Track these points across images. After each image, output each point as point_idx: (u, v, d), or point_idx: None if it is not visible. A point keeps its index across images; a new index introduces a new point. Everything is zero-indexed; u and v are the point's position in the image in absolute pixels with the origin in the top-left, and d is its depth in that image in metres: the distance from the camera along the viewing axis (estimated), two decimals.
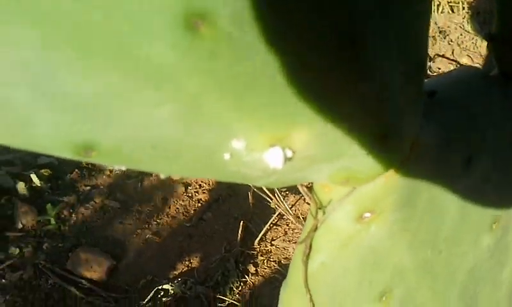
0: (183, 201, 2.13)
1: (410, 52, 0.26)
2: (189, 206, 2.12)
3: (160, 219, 2.05)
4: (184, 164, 0.25)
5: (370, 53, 0.24)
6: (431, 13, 0.26)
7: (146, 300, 1.70)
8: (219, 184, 2.18)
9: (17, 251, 1.81)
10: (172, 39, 0.19)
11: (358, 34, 0.23)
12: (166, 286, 1.71)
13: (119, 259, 1.84)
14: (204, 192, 2.18)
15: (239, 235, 1.88)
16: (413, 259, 0.36)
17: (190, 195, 2.17)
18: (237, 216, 2.00)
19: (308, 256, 0.33)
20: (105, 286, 1.73)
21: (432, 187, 0.34)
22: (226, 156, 0.25)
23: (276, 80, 0.22)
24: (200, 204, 2.13)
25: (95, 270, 1.75)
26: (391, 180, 0.31)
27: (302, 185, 0.34)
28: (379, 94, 0.26)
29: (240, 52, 0.21)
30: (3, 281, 1.73)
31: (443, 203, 0.35)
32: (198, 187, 2.19)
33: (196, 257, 1.88)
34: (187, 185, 2.18)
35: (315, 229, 0.33)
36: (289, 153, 0.26)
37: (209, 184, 2.19)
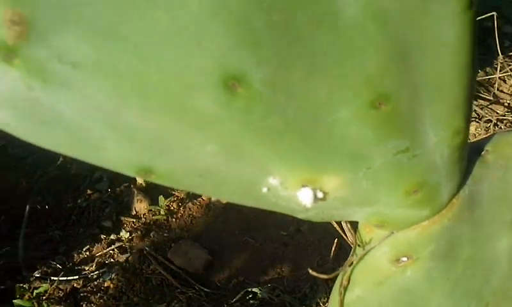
0: None
1: (445, 118, 0.27)
2: (288, 216, 2.15)
3: (259, 224, 2.11)
4: (228, 192, 0.29)
5: (405, 111, 0.26)
6: (474, 86, 0.27)
7: (234, 299, 1.77)
8: None
9: (127, 235, 1.98)
10: (213, 96, 0.24)
11: (392, 90, 0.25)
12: (255, 290, 1.77)
13: (216, 256, 1.93)
14: None
15: (333, 252, 1.89)
16: None
17: None
18: (333, 232, 1.99)
19: (345, 288, 0.36)
20: (199, 279, 1.83)
21: (477, 242, 0.34)
22: (264, 189, 0.29)
23: (305, 133, 0.26)
24: None
25: (192, 263, 1.87)
26: (426, 230, 0.32)
27: (346, 222, 0.37)
28: (412, 151, 0.28)
29: (272, 108, 0.24)
30: (111, 260, 1.91)
31: (491, 258, 0.35)
32: None
33: (288, 266, 1.92)
34: None
35: (351, 264, 0.35)
36: (320, 194, 0.29)
37: None
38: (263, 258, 1.94)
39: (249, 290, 1.78)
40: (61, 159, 2.43)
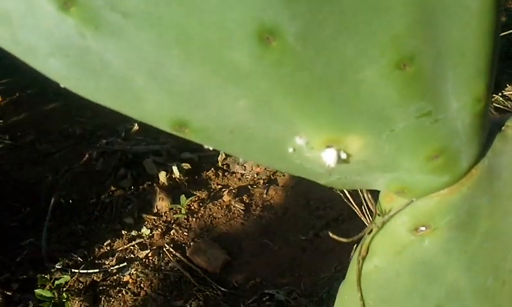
0: (303, 214, 2.19)
1: (467, 84, 0.29)
2: (308, 220, 2.16)
3: (278, 228, 2.12)
4: (255, 150, 0.31)
5: (429, 74, 0.28)
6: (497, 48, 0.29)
7: (251, 300, 1.78)
8: (341, 204, 2.19)
9: (148, 231, 2.02)
10: (248, 48, 0.25)
11: (417, 51, 0.26)
12: (271, 292, 1.78)
13: (234, 256, 1.95)
14: (325, 209, 2.20)
15: (357, 240, 1.88)
16: (472, 283, 0.37)
17: (311, 210, 2.21)
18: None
19: (364, 257, 0.37)
20: (217, 279, 1.85)
21: (495, 215, 0.35)
22: (290, 149, 0.31)
23: (332, 90, 0.27)
24: (318, 221, 2.16)
25: (211, 262, 1.88)
26: (445, 199, 0.33)
27: (367, 192, 0.38)
28: (434, 115, 0.29)
29: (302, 63, 0.26)
30: (131, 256, 1.94)
31: (510, 233, 0.36)
32: (320, 203, 2.23)
33: (306, 270, 1.92)
34: (309, 200, 2.23)
35: (370, 231, 0.36)
36: (343, 155, 0.30)
37: (331, 202, 2.21)
38: (281, 261, 1.95)
39: (266, 291, 1.78)
40: (86, 156, 2.48)
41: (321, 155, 0.30)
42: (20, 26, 0.25)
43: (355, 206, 0.46)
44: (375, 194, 0.38)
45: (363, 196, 0.39)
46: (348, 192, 0.49)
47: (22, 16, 0.25)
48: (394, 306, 0.38)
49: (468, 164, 0.33)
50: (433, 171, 0.31)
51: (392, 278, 0.37)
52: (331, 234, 0.42)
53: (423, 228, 0.35)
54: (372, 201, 0.38)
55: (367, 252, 0.38)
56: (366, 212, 0.49)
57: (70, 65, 0.27)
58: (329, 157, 0.30)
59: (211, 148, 0.32)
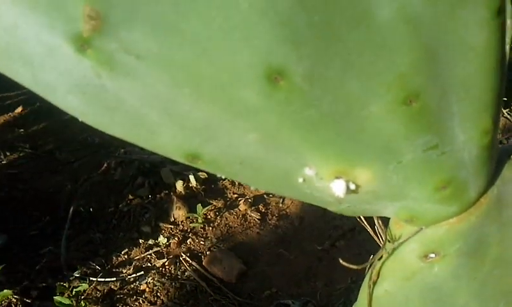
0: (319, 224, 2.18)
1: (473, 118, 0.29)
2: (324, 230, 2.16)
3: (294, 237, 2.12)
4: (265, 180, 0.32)
5: (435, 109, 0.28)
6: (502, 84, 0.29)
7: None
8: None
9: (165, 240, 2.03)
10: (257, 88, 0.26)
11: (422, 88, 0.27)
12: (287, 302, 1.78)
13: (250, 266, 1.95)
14: (341, 220, 2.20)
15: (367, 269, 1.87)
16: None
17: (327, 220, 2.21)
18: (369, 249, 1.98)
19: (374, 282, 0.38)
20: (233, 288, 1.86)
21: (505, 242, 0.35)
22: (300, 180, 0.31)
23: (339, 125, 0.28)
24: (334, 231, 2.16)
25: (226, 272, 1.89)
26: (454, 228, 0.34)
27: (378, 218, 0.38)
28: (441, 148, 0.30)
29: (309, 101, 0.27)
30: (148, 264, 1.96)
31: None
32: (336, 213, 2.22)
33: (322, 281, 1.92)
34: (325, 210, 2.22)
35: (380, 258, 0.37)
36: (352, 186, 0.31)
37: None
38: (297, 271, 1.95)
39: (282, 302, 1.79)
40: (105, 165, 2.51)
41: (330, 186, 0.31)
42: (40, 67, 0.27)
43: (367, 225, 0.46)
44: (385, 219, 0.39)
45: (375, 222, 0.39)
46: None
47: (42, 58, 0.26)
48: None
49: (476, 194, 0.33)
50: (441, 201, 0.32)
51: (402, 303, 0.37)
52: (341, 260, 0.42)
53: (432, 255, 0.35)
54: (383, 227, 0.38)
55: (377, 277, 0.38)
56: (378, 232, 0.49)
57: (87, 102, 0.28)
58: (338, 188, 0.31)
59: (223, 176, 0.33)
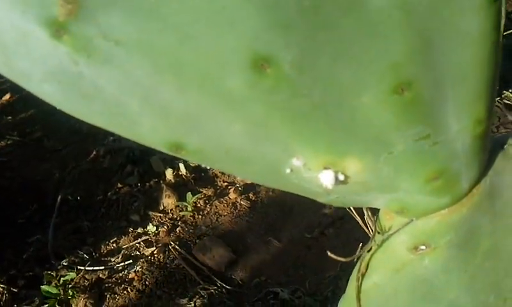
0: (308, 213, 2.18)
1: (467, 107, 0.28)
2: (314, 218, 2.16)
3: (283, 225, 2.12)
4: (252, 171, 0.31)
5: (427, 98, 0.27)
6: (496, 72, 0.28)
7: (255, 298, 1.78)
8: None
9: (154, 229, 2.02)
10: (243, 75, 0.25)
11: (415, 77, 0.26)
12: (276, 290, 1.78)
13: (239, 254, 1.95)
14: (330, 208, 2.20)
15: (356, 257, 1.87)
16: (473, 301, 0.37)
17: (316, 208, 2.21)
18: (358, 237, 1.98)
19: (363, 274, 0.37)
20: (222, 277, 1.85)
21: (497, 234, 0.35)
22: (288, 170, 0.30)
23: (329, 116, 0.27)
24: (324, 219, 2.16)
25: (216, 260, 1.89)
26: (445, 219, 0.33)
27: (367, 209, 0.38)
28: (433, 138, 0.29)
29: (298, 90, 0.26)
30: (137, 253, 1.95)
31: (511, 252, 0.36)
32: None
33: (311, 269, 1.92)
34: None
35: (369, 250, 0.36)
36: (341, 177, 0.30)
37: None
38: (286, 260, 1.95)
39: (271, 290, 1.79)
40: (93, 153, 2.49)
41: (318, 177, 0.30)
42: (13, 53, 0.25)
43: (356, 215, 0.46)
44: (375, 210, 0.38)
45: (364, 213, 0.38)
46: None
47: (15, 44, 0.25)
48: None
49: (468, 185, 0.32)
50: (433, 193, 0.31)
51: (391, 295, 0.37)
52: (329, 253, 0.41)
53: (423, 247, 0.35)
54: (372, 218, 0.37)
55: (366, 269, 0.37)
56: (367, 223, 0.49)
57: (64, 90, 0.27)
58: (326, 179, 0.30)
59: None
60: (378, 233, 0.36)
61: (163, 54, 0.25)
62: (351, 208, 0.47)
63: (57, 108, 0.29)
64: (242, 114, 0.27)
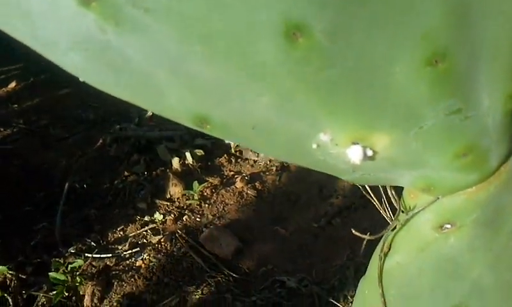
0: (315, 202, 2.18)
1: (500, 82, 0.28)
2: (321, 208, 2.16)
3: (290, 215, 2.12)
4: (277, 146, 0.30)
5: (461, 71, 0.27)
6: None
7: (262, 287, 1.78)
8: (354, 192, 2.19)
9: (161, 217, 2.03)
10: (274, 45, 0.25)
11: (450, 48, 0.25)
12: (283, 278, 1.78)
13: (246, 243, 1.95)
14: (338, 198, 2.20)
15: (364, 246, 1.87)
16: (496, 280, 0.36)
17: (323, 197, 2.21)
18: (365, 227, 1.98)
19: (386, 253, 0.37)
20: (229, 265, 1.86)
21: None
22: (314, 146, 0.30)
23: (360, 87, 0.27)
24: (331, 208, 2.16)
25: (222, 248, 1.89)
26: (472, 197, 0.33)
27: (391, 188, 0.37)
28: (464, 112, 0.28)
29: (330, 60, 0.25)
30: (144, 241, 1.95)
31: None
32: (333, 191, 2.22)
33: (317, 258, 1.92)
34: (322, 188, 2.23)
35: (393, 229, 0.36)
36: (369, 152, 0.29)
37: (344, 190, 2.21)
38: (292, 249, 1.95)
39: (278, 278, 1.79)
40: (100, 141, 2.49)
41: (346, 152, 0.29)
42: (40, 22, 0.25)
43: (375, 199, 0.45)
44: (398, 190, 0.37)
45: (387, 192, 0.38)
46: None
47: (42, 12, 0.24)
48: (415, 303, 0.37)
49: (497, 163, 0.32)
50: (461, 169, 0.31)
51: (415, 275, 0.36)
52: (353, 230, 0.41)
53: (448, 226, 0.34)
54: (396, 198, 0.37)
55: (389, 249, 0.37)
56: (386, 206, 0.48)
57: (90, 59, 0.26)
58: (354, 154, 0.29)
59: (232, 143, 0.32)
60: (402, 212, 0.36)
61: (193, 23, 0.24)
62: (369, 192, 0.47)
63: (80, 80, 0.28)
64: (271, 85, 0.26)
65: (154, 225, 2.02)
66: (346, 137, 0.29)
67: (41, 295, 1.71)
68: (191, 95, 0.27)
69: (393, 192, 0.37)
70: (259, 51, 0.25)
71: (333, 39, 0.24)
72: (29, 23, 0.25)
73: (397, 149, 0.29)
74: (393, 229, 0.37)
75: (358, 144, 0.29)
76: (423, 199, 0.34)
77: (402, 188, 0.37)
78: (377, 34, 0.24)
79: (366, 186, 0.46)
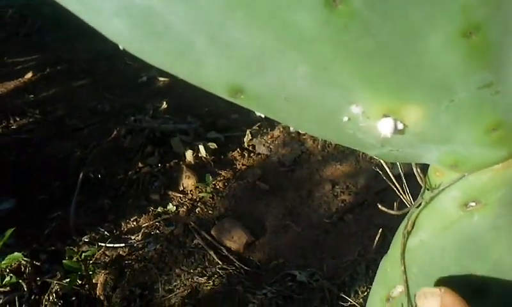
0: (327, 197, 2.18)
1: None
2: (332, 203, 2.16)
3: (302, 209, 2.13)
4: (309, 119, 0.31)
5: (494, 44, 0.27)
6: None
7: (273, 280, 1.79)
8: (366, 189, 2.19)
9: (174, 208, 2.04)
10: (314, 12, 0.25)
11: (484, 21, 0.26)
12: (294, 272, 1.79)
13: (257, 236, 1.96)
14: (350, 194, 2.20)
15: (376, 243, 1.88)
16: None
17: (336, 193, 2.21)
18: (377, 224, 1.99)
19: (409, 231, 0.37)
20: (240, 258, 1.87)
21: None
22: (345, 118, 0.30)
23: (395, 57, 0.27)
24: (343, 205, 2.16)
25: (234, 241, 1.90)
26: (499, 174, 0.33)
27: (416, 165, 0.38)
28: (495, 86, 0.29)
29: (367, 29, 0.26)
30: (157, 231, 1.97)
31: None
32: (344, 187, 2.22)
33: (329, 253, 1.92)
34: (334, 184, 2.23)
35: (418, 206, 0.36)
36: (400, 126, 0.30)
37: (356, 187, 2.21)
38: (304, 243, 1.96)
39: (289, 272, 1.80)
40: (114, 132, 2.51)
41: (377, 125, 0.30)
42: None
43: (395, 182, 0.46)
44: (424, 168, 0.38)
45: (413, 170, 0.38)
46: (387, 166, 0.49)
47: None
48: (437, 282, 0.38)
49: None
50: (490, 145, 0.31)
51: (437, 254, 0.37)
52: (379, 206, 0.41)
53: (473, 204, 0.35)
54: (421, 175, 0.37)
55: (412, 227, 0.37)
56: (406, 190, 0.49)
57: (133, 26, 0.27)
58: (385, 127, 0.30)
59: (262, 115, 0.32)
60: (427, 189, 0.36)
61: None
62: (392, 178, 0.47)
63: (120, 48, 0.29)
64: (309, 54, 0.27)
65: (167, 216, 2.03)
66: (378, 109, 0.29)
67: (55, 282, 1.73)
68: (228, 64, 0.28)
69: (419, 170, 0.38)
70: (299, 19, 0.26)
71: (372, 8, 0.25)
72: None
73: (428, 123, 0.30)
74: (418, 206, 0.37)
75: (389, 116, 0.30)
76: (449, 177, 0.35)
77: (427, 166, 0.37)
78: (413, 7, 0.25)
79: (388, 170, 0.46)
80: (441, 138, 0.31)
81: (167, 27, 0.27)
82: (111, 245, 1.93)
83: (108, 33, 0.28)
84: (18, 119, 2.66)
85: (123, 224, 2.06)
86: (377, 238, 1.82)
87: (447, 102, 0.29)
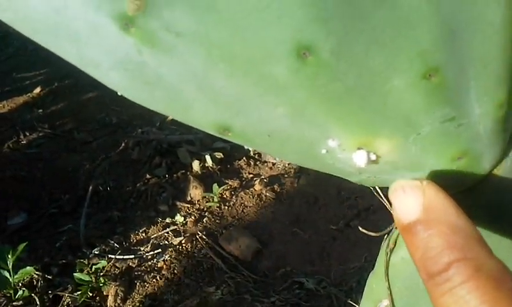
0: (334, 204, 2.21)
1: (489, 92, 0.31)
2: (339, 210, 2.18)
3: (308, 217, 2.15)
4: (291, 152, 0.34)
5: (453, 83, 0.30)
6: None
7: (281, 288, 1.82)
8: (372, 195, 2.20)
9: (182, 219, 2.08)
10: (287, 63, 0.28)
11: (442, 63, 0.29)
12: (301, 280, 1.81)
13: (265, 245, 1.99)
14: (356, 200, 2.22)
15: (386, 233, 1.89)
16: None
17: (342, 200, 2.23)
18: (384, 229, 2.00)
19: (391, 250, 0.40)
20: (248, 266, 1.90)
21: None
22: (323, 151, 0.33)
23: (363, 98, 0.30)
24: (349, 211, 2.18)
25: (242, 250, 1.93)
26: (469, 198, 0.36)
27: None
28: (458, 120, 0.32)
29: (335, 75, 0.29)
30: (166, 242, 2.01)
31: None
32: (351, 193, 2.24)
33: (336, 260, 1.95)
34: (340, 190, 2.25)
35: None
36: (373, 157, 0.33)
37: (362, 193, 2.23)
38: (311, 250, 1.98)
39: (296, 280, 1.82)
40: (122, 145, 2.55)
41: (352, 156, 0.33)
42: (85, 44, 0.29)
43: (384, 199, 0.48)
44: None
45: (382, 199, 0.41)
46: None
47: (88, 36, 0.28)
48: (417, 294, 0.40)
49: (489, 165, 0.35)
50: (456, 172, 0.34)
51: (415, 269, 0.39)
52: (360, 228, 0.44)
53: None
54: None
55: (394, 245, 0.40)
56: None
57: (129, 78, 0.30)
58: (359, 158, 0.33)
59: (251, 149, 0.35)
60: None
61: (216, 45, 0.28)
62: (380, 194, 0.50)
63: (118, 94, 0.33)
64: (285, 98, 0.30)
65: (175, 227, 2.07)
66: (352, 143, 0.32)
67: (67, 295, 1.77)
68: (215, 107, 0.31)
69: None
70: (274, 69, 0.29)
71: (338, 58, 0.28)
72: (75, 45, 0.29)
73: (399, 154, 0.33)
74: (395, 227, 0.40)
75: (362, 149, 0.33)
76: None
77: None
78: (374, 54, 0.28)
79: (376, 187, 0.49)
80: (413, 166, 0.34)
81: (159, 78, 0.30)
82: (121, 257, 1.97)
83: (107, 83, 0.31)
84: (27, 134, 2.71)
85: (132, 235, 2.09)
86: (382, 244, 1.84)
87: (414, 134, 0.32)
